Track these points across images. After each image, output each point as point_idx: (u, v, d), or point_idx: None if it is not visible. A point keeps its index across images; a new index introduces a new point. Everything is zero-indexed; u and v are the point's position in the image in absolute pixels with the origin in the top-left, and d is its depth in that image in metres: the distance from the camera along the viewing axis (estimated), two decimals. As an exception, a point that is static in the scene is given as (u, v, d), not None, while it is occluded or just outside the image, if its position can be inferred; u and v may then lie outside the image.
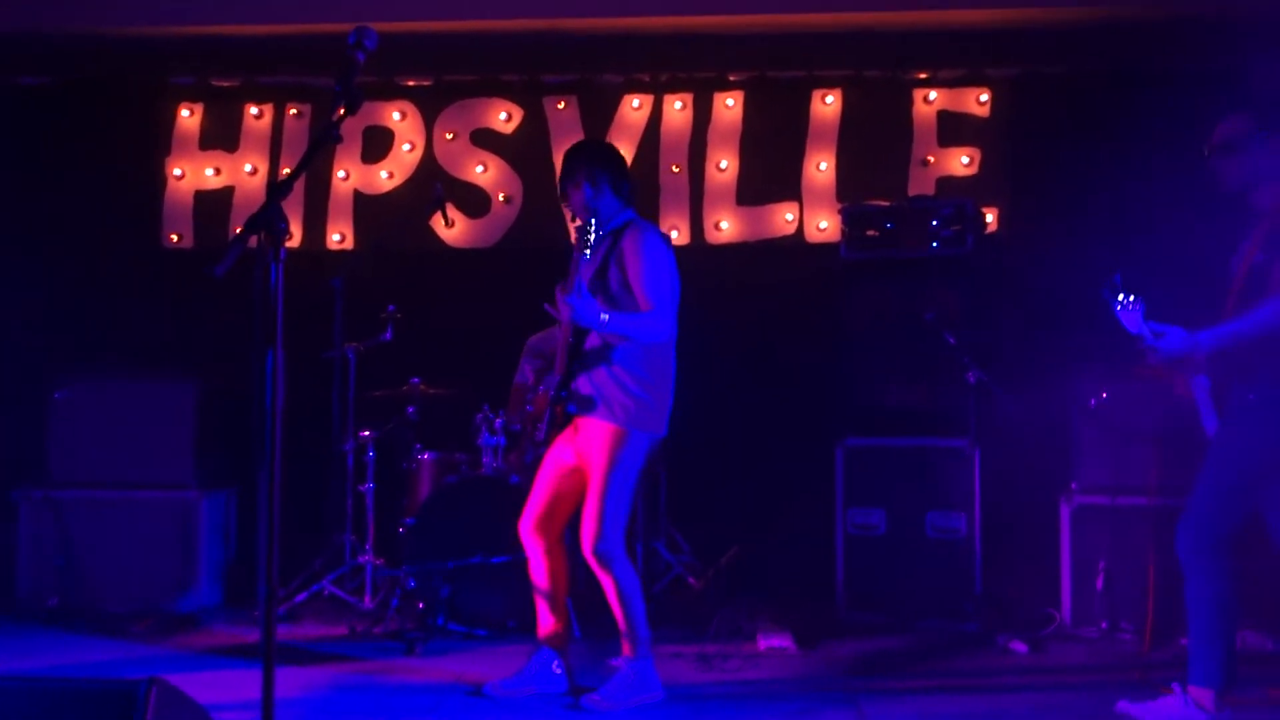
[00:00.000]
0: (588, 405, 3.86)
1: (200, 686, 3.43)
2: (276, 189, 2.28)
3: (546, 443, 4.00)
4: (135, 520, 5.39)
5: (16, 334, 6.13)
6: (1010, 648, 4.72)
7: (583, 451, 3.91)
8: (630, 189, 4.03)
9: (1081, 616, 4.94)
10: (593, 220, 3.75)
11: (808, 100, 6.30)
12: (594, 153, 4.05)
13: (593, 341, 3.86)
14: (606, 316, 3.74)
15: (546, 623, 4.05)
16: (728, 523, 5.84)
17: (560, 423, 3.97)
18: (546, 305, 3.88)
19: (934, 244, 5.34)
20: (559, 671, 4.04)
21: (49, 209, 6.37)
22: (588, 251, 3.76)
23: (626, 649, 3.92)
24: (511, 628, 4.92)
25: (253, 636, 4.97)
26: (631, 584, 3.88)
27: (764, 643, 4.72)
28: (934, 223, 5.35)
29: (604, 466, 3.81)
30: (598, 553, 3.81)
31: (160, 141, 6.48)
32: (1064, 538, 5.02)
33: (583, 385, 3.87)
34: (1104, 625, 4.86)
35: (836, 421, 5.46)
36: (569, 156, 4.05)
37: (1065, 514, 5.02)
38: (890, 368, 5.37)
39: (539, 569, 4.04)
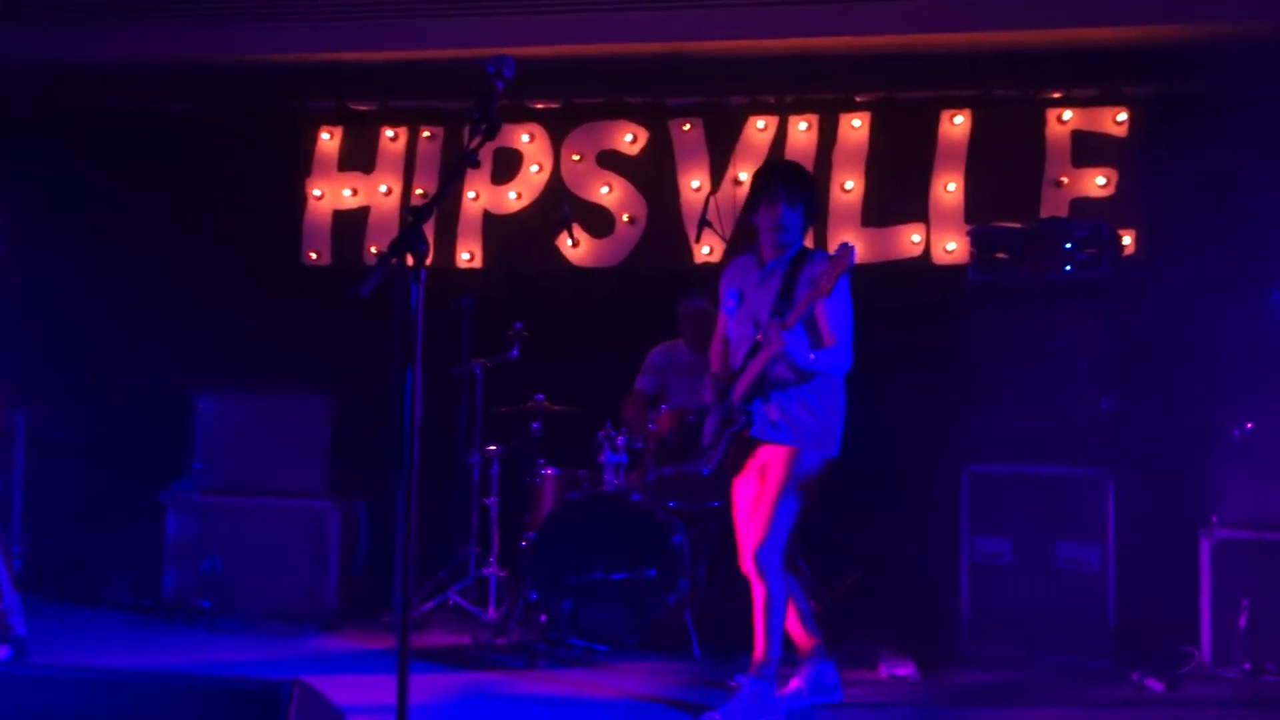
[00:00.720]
0: (773, 429, 3.94)
1: (334, 688, 3.56)
2: (418, 213, 2.37)
3: (718, 472, 4.06)
4: (272, 526, 5.61)
5: (167, 346, 6.46)
6: (1145, 685, 4.56)
7: (762, 471, 3.99)
8: (814, 216, 4.16)
9: (1222, 656, 4.74)
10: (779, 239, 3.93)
11: (936, 121, 6.23)
12: (800, 175, 4.13)
13: (780, 371, 3.91)
14: (814, 356, 3.85)
15: (804, 640, 4.10)
16: (849, 547, 5.78)
17: (736, 448, 4.02)
18: (753, 331, 3.94)
19: (1067, 267, 5.22)
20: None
21: (197, 228, 6.70)
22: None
23: (753, 666, 3.93)
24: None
25: (381, 642, 5.12)
26: (780, 599, 3.92)
27: (885, 670, 4.66)
28: (1068, 245, 5.22)
29: (778, 481, 3.91)
30: (757, 559, 3.88)
31: (301, 164, 6.77)
32: (1204, 573, 4.82)
33: (771, 410, 3.95)
34: (1246, 666, 4.65)
35: (961, 447, 5.36)
36: (771, 172, 4.11)
37: (1205, 548, 4.83)
38: (1018, 393, 5.25)
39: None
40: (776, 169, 4.17)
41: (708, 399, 4.16)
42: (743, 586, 4.04)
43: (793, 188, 4.00)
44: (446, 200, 6.58)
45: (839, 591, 5.42)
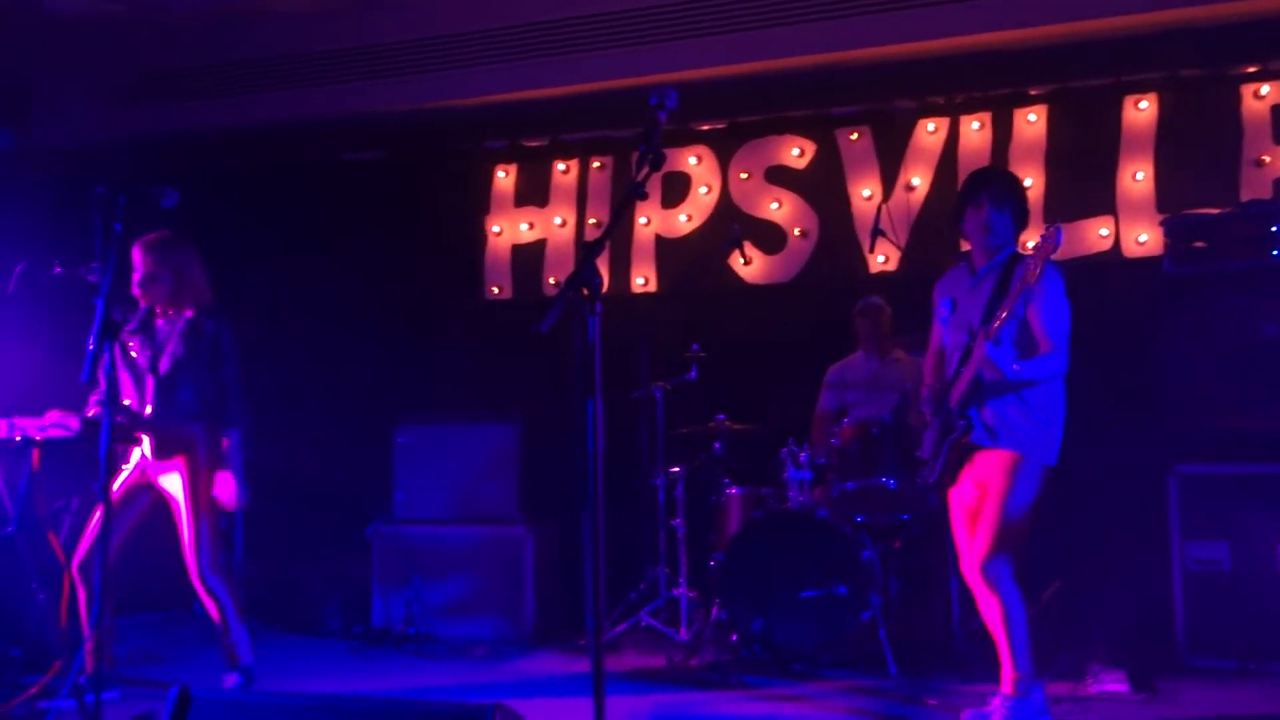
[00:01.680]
0: (991, 435, 3.87)
1: (533, 711, 3.67)
2: (590, 248, 2.44)
3: (940, 484, 4.01)
4: (470, 553, 5.81)
5: (366, 383, 6.80)
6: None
7: (981, 481, 3.92)
8: (1025, 221, 4.08)
9: None
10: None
11: (1118, 107, 5.96)
12: (1007, 178, 4.09)
13: (995, 374, 3.84)
14: (1018, 367, 3.77)
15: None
16: (1048, 555, 5.56)
17: (954, 457, 3.96)
18: (966, 339, 3.89)
19: (1275, 251, 4.90)
20: (1040, 701, 3.92)
21: (388, 270, 7.04)
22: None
23: (1005, 684, 3.81)
24: (826, 663, 4.92)
25: (578, 664, 5.24)
26: (1018, 611, 3.80)
27: (1095, 684, 4.46)
28: (1274, 228, 4.91)
29: (1001, 490, 3.81)
30: (985, 572, 3.79)
31: (479, 202, 7.03)
32: None
33: (987, 415, 3.88)
34: None
35: (1165, 447, 5.09)
36: (981, 177, 4.10)
37: None
38: (1224, 388, 4.96)
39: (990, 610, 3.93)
40: (982, 173, 4.18)
41: (926, 411, 4.11)
42: (936, 602, 3.95)
43: (999, 191, 3.97)
44: (619, 228, 6.72)
45: (1041, 603, 5.22)
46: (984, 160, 6.12)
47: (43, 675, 4.11)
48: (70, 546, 4.07)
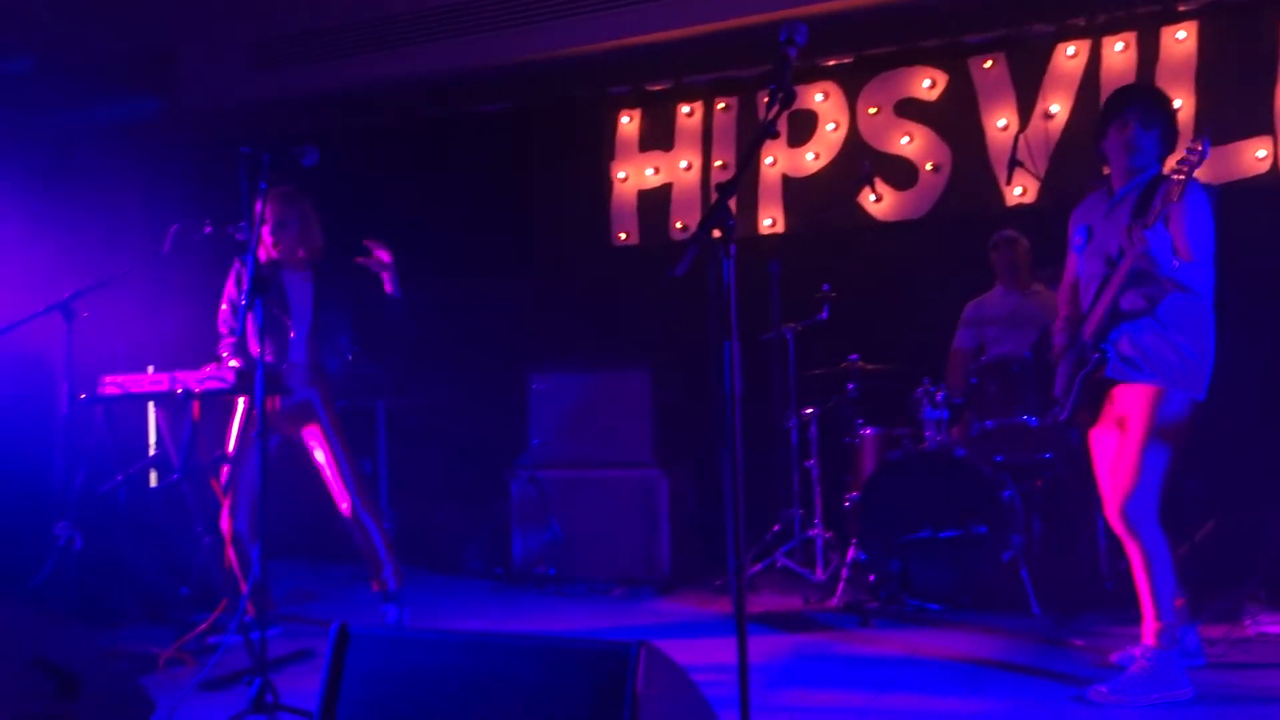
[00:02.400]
0: (1130, 366, 3.62)
1: (673, 651, 3.72)
2: (723, 190, 2.42)
3: (1074, 422, 3.81)
4: (606, 496, 5.90)
5: (501, 331, 6.94)
6: None
7: (1122, 418, 3.68)
8: (1173, 143, 3.79)
9: None
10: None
11: (1275, 22, 5.60)
12: (1157, 96, 3.84)
13: (1133, 300, 3.62)
14: (1178, 263, 3.49)
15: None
16: (1202, 493, 5.36)
17: (1091, 394, 3.73)
18: (1103, 268, 3.68)
19: None
20: (1195, 644, 3.83)
21: (518, 222, 7.14)
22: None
23: (1147, 635, 3.60)
24: (965, 603, 4.87)
25: (714, 605, 5.29)
26: (1162, 557, 3.55)
27: (1253, 626, 4.30)
28: None
29: (1142, 426, 3.57)
30: (1126, 516, 3.56)
31: (605, 148, 7.04)
32: None
33: (1124, 346, 3.64)
34: None
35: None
36: (1127, 92, 3.86)
37: None
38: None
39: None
40: (1129, 88, 3.94)
41: (1058, 344, 3.91)
42: (1082, 541, 3.85)
43: (1147, 106, 3.72)
44: (747, 169, 6.63)
45: (1195, 543, 5.04)
46: (1128, 82, 5.83)
47: (210, 613, 4.37)
48: (229, 492, 4.28)
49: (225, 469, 4.25)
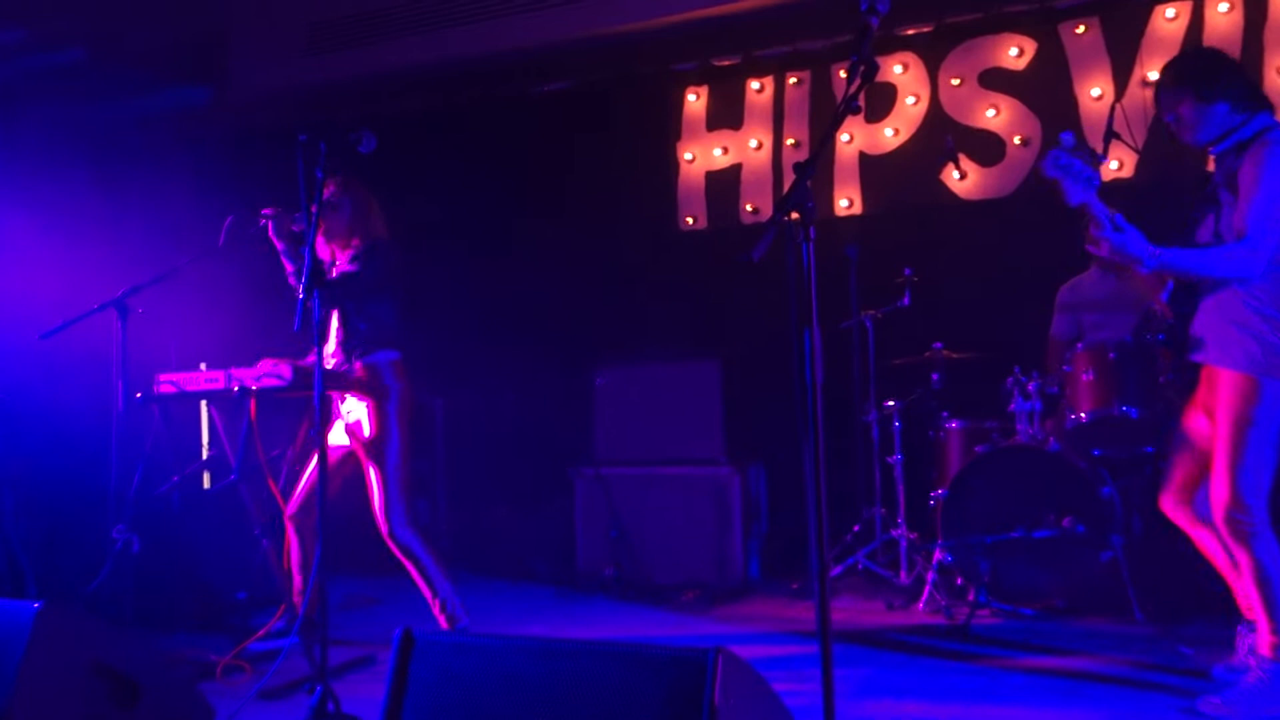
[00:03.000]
0: (1208, 351, 3.48)
1: (751, 657, 3.72)
2: (802, 169, 2.41)
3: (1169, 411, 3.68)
4: (674, 495, 5.90)
5: (562, 323, 6.98)
6: None
7: (1211, 405, 3.53)
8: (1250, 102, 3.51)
9: None
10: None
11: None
12: (1202, 61, 3.58)
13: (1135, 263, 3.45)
14: (1158, 251, 3.36)
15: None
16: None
17: (1184, 377, 3.60)
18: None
19: None
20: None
21: (579, 208, 7.17)
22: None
23: (1262, 646, 3.45)
24: (1060, 608, 4.80)
25: (791, 609, 5.28)
26: (1274, 562, 3.38)
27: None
28: None
29: (1230, 420, 3.40)
30: (1229, 519, 3.39)
31: (671, 128, 7.04)
32: None
33: (1197, 324, 3.50)
34: None
35: None
36: (1165, 69, 3.64)
37: None
38: None
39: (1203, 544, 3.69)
40: (1170, 62, 3.66)
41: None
42: (1187, 540, 3.77)
43: (1199, 78, 3.49)
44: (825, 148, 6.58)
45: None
46: (1234, 47, 5.69)
47: (269, 617, 4.45)
48: (288, 494, 4.35)
49: (284, 469, 4.32)
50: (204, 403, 5.11)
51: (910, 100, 6.45)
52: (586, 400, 6.21)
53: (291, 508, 4.31)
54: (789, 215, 2.42)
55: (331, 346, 4.35)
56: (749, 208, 6.83)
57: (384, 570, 6.30)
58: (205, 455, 5.26)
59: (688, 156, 7.00)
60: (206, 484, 5.20)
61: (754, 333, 6.37)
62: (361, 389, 4.22)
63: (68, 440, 5.19)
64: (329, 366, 4.25)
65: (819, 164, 2.52)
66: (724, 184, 6.91)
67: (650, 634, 4.91)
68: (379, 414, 4.31)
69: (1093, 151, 3.42)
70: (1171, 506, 3.72)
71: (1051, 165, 3.30)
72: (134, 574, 3.96)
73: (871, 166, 6.55)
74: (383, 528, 4.26)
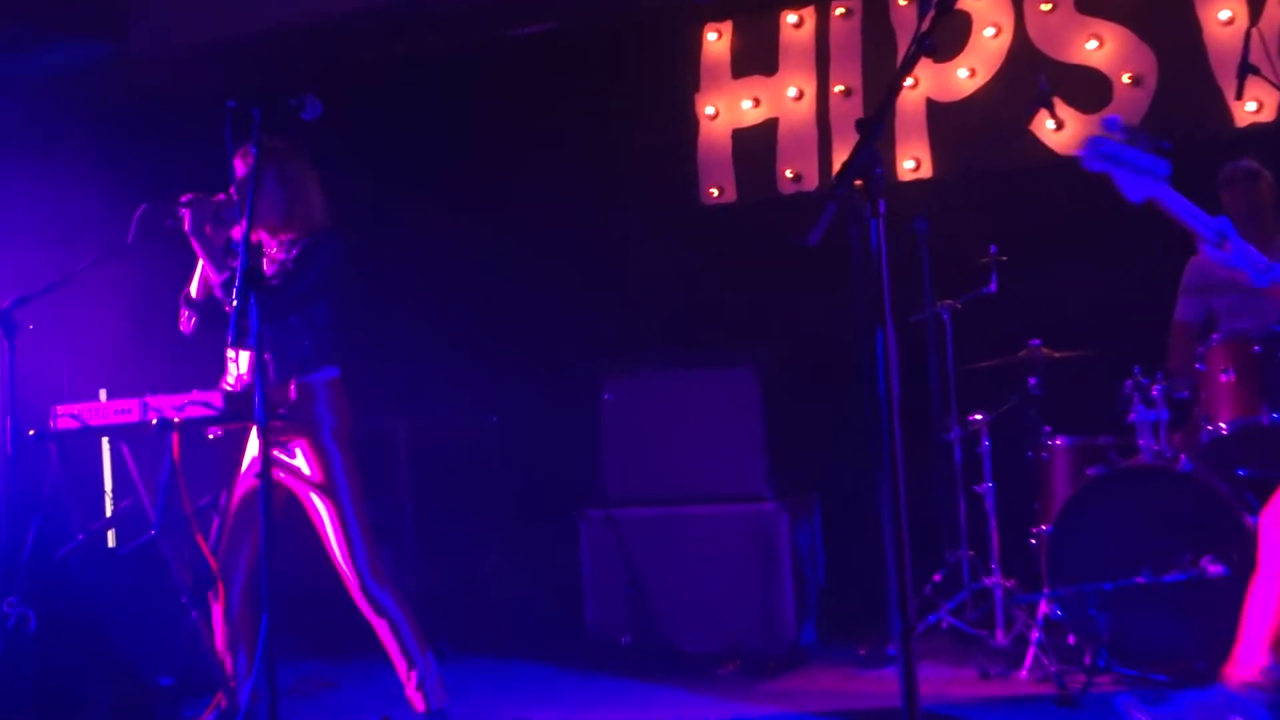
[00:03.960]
0: None
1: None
2: (868, 127, 2.42)
3: None
4: (705, 541, 5.90)
5: (558, 323, 7.00)
6: None
7: None
8: None
9: None
10: None
11: None
12: None
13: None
14: (1272, 264, 3.43)
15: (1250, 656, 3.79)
16: None
17: None
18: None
19: None
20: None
21: (570, 178, 7.18)
22: None
23: None
24: (1200, 670, 4.79)
25: (858, 683, 5.29)
26: None
27: None
28: None
29: None
30: None
31: (686, 76, 7.06)
32: None
33: None
34: None
35: None
36: None
37: None
38: None
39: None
40: None
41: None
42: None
43: None
44: (876, 96, 6.60)
45: None
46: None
47: (202, 708, 4.47)
48: (220, 550, 4.37)
49: (215, 521, 4.34)
50: (105, 440, 5.15)
51: (989, 32, 6.47)
52: (591, 420, 6.22)
53: (225, 567, 4.33)
54: (852, 185, 2.44)
55: (243, 367, 4.34)
56: (789, 174, 6.85)
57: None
58: (112, 506, 5.28)
59: (709, 111, 7.02)
60: (112, 542, 5.23)
61: (800, 330, 6.38)
62: (294, 417, 4.24)
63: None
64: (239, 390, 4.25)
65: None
66: (756, 145, 6.93)
67: None
68: (316, 448, 4.34)
69: (1154, 140, 3.39)
70: (1268, 528, 3.74)
71: (1093, 155, 3.27)
72: (32, 657, 3.98)
73: (942, 117, 6.56)
74: (350, 582, 4.30)
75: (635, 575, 5.92)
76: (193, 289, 4.46)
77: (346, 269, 4.43)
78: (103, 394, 4.26)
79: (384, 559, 4.52)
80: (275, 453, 4.30)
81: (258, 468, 4.16)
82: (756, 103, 6.94)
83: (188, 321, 4.44)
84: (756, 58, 6.95)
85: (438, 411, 6.89)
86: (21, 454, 4.10)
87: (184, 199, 4.21)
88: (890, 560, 2.46)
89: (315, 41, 7.39)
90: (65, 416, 4.17)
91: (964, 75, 6.53)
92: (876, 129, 2.45)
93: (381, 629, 4.38)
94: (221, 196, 4.25)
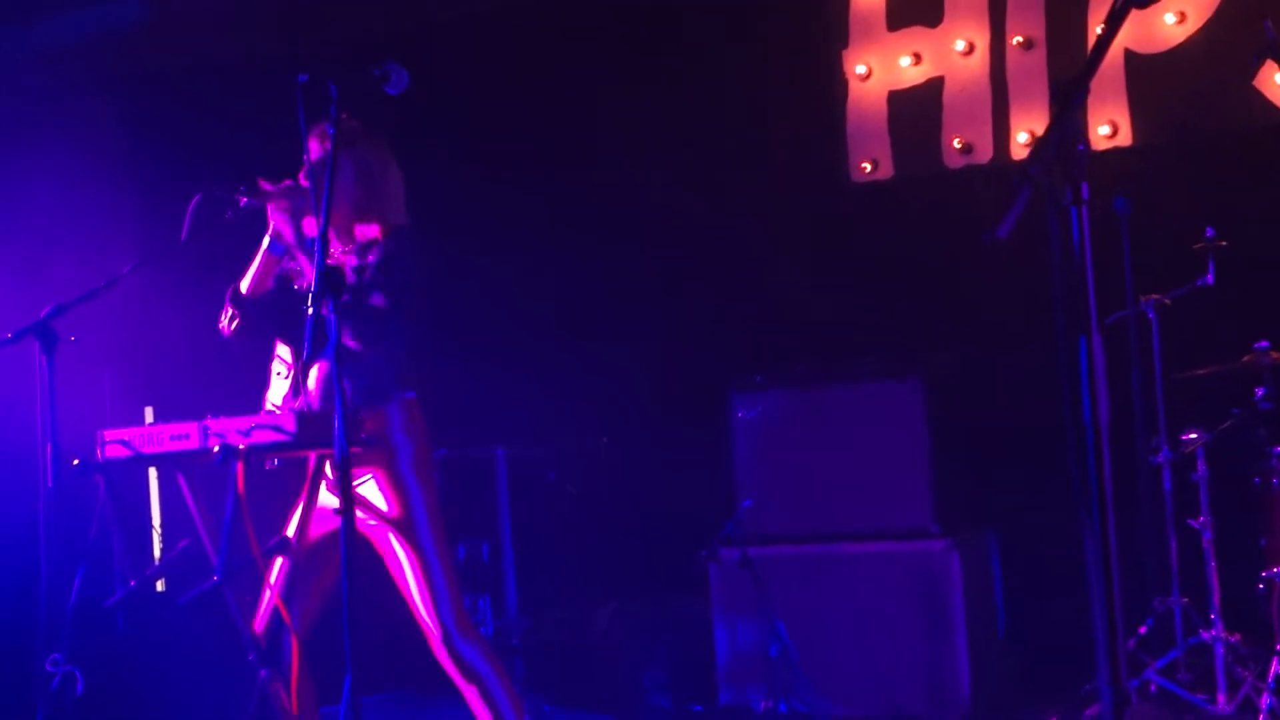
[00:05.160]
0: None
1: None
2: (1070, 92, 2.41)
3: None
4: (859, 584, 5.91)
5: (681, 332, 7.02)
6: None
7: None
8: None
9: None
10: None
11: None
12: None
13: None
14: None
15: None
16: None
17: None
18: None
19: None
20: None
21: (694, 157, 7.20)
22: None
23: None
24: None
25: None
26: None
27: None
28: None
29: None
30: None
31: (833, 30, 7.04)
32: None
33: None
34: None
35: None
36: None
37: None
38: None
39: None
40: None
41: None
42: None
43: None
44: (1073, 32, 6.53)
45: None
46: None
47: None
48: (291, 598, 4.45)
49: (283, 563, 4.40)
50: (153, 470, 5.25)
51: (1202, -35, 6.39)
52: (721, 443, 6.25)
53: (297, 620, 4.40)
54: (1050, 163, 2.43)
55: (311, 384, 4.40)
56: (957, 144, 6.80)
57: (442, 691, 6.42)
58: (163, 547, 5.40)
59: (860, 70, 7.01)
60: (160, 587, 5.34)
61: (973, 335, 6.34)
62: (368, 447, 4.29)
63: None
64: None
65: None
66: (917, 109, 6.90)
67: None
68: (392, 479, 4.41)
69: None
70: None
71: None
72: (78, 723, 4.09)
73: (1144, 72, 6.47)
74: (433, 636, 4.35)
75: (775, 625, 5.92)
76: (244, 284, 4.54)
77: (426, 277, 4.49)
78: (149, 413, 4.36)
79: (477, 608, 4.57)
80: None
81: (331, 505, 4.25)
82: (917, 59, 6.90)
83: (230, 323, 4.52)
84: (916, 5, 6.91)
85: (540, 436, 6.96)
86: (65, 487, 4.20)
87: (267, 187, 4.28)
88: (1097, 614, 2.45)
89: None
90: (114, 443, 4.26)
91: (1171, 21, 6.43)
92: (1081, 93, 2.43)
93: (470, 693, 4.42)
94: (289, 183, 4.33)
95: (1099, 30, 6.12)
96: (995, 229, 2.32)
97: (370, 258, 4.40)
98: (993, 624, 6.05)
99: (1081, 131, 2.42)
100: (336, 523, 4.19)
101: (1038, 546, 6.03)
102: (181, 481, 4.35)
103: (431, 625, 4.38)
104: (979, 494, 6.07)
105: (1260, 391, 5.43)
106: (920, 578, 5.81)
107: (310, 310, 3.58)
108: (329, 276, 3.58)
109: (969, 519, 5.98)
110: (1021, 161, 2.47)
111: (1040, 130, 6.55)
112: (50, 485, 4.17)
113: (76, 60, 7.82)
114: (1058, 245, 2.42)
